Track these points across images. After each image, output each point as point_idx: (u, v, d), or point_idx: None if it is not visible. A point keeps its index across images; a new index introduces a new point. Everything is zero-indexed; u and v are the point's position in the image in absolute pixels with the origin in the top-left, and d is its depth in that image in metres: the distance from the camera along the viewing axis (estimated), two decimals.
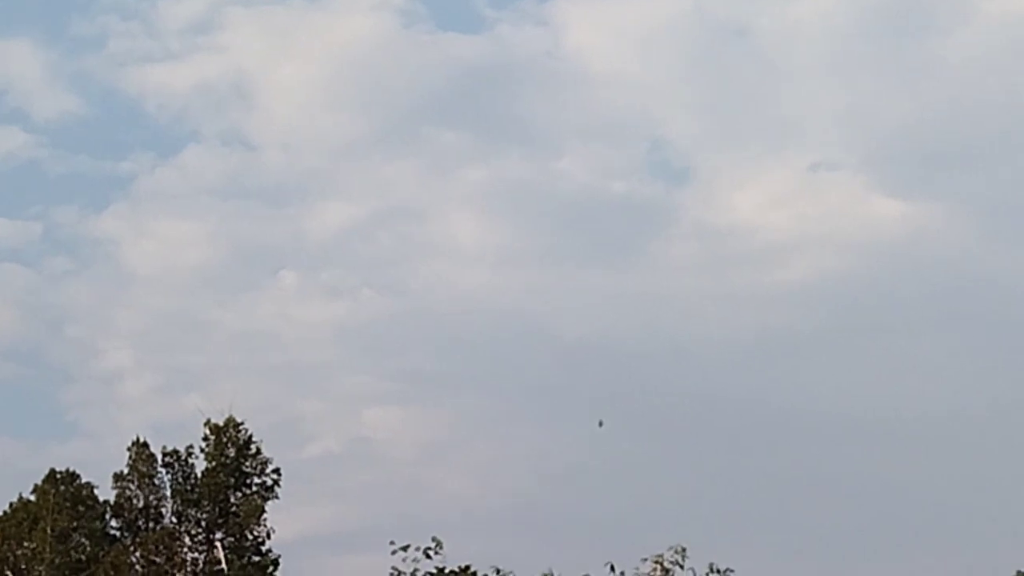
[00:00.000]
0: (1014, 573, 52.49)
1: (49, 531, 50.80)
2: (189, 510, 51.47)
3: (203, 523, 51.41)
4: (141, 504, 51.84)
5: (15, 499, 52.14)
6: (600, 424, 51.94)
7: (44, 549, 50.61)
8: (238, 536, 51.10)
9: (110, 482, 52.28)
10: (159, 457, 52.03)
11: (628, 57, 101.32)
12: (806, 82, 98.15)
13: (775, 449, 79.21)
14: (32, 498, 51.73)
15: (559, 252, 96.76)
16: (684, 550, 49.45)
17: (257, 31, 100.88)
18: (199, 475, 51.62)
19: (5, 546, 50.64)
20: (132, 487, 51.93)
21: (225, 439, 51.03)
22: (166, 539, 50.48)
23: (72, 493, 51.70)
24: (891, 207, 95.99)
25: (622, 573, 48.91)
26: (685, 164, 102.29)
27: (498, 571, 51.07)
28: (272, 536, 51.24)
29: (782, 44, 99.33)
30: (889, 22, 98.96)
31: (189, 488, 51.56)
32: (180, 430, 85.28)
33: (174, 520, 51.72)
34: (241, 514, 50.98)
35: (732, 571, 49.64)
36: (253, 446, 51.31)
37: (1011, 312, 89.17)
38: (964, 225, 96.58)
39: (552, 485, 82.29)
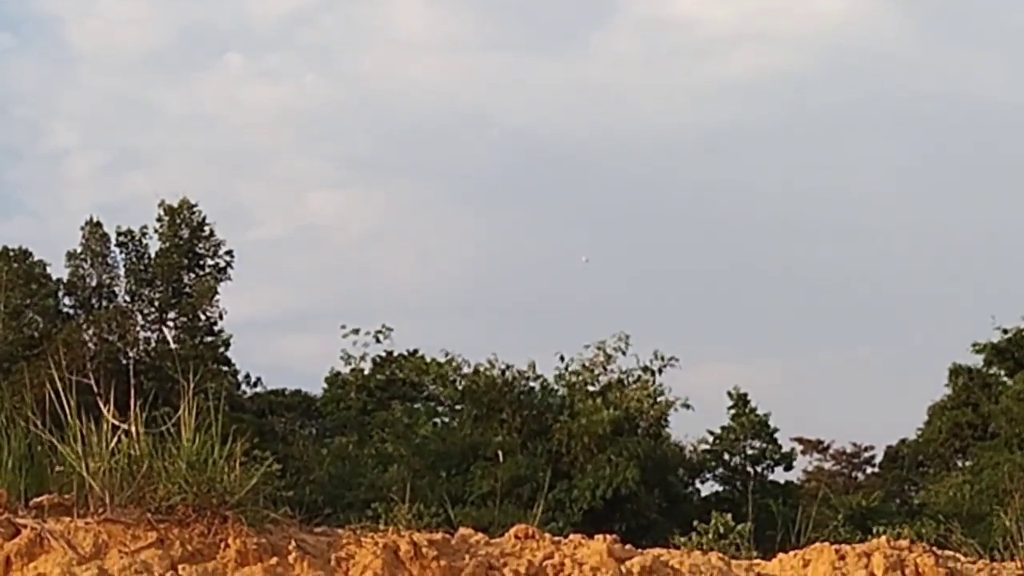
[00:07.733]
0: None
1: (2, 308, 50.96)
2: (142, 290, 51.83)
3: (156, 303, 51.87)
4: (94, 283, 52.01)
5: None
6: (585, 260, 53.51)
7: None
8: (191, 316, 51.68)
9: (62, 260, 52.60)
10: (112, 237, 52.21)
11: None
12: None
13: (716, 240, 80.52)
14: None
15: (501, 40, 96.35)
16: (628, 337, 50.74)
17: None
18: (152, 255, 51.89)
19: None
20: (85, 266, 52.05)
21: (179, 220, 51.20)
22: (119, 317, 50.81)
23: (24, 270, 51.72)
24: (835, 1, 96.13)
25: (571, 359, 50.22)
26: None
27: (447, 354, 52.39)
28: (224, 317, 51.98)
29: None
30: None
31: (142, 268, 51.81)
32: (126, 210, 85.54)
33: (127, 299, 52.09)
34: (194, 295, 51.50)
35: (676, 359, 51.05)
36: (206, 228, 51.58)
37: (948, 109, 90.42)
38: (905, 21, 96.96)
39: (496, 271, 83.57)
